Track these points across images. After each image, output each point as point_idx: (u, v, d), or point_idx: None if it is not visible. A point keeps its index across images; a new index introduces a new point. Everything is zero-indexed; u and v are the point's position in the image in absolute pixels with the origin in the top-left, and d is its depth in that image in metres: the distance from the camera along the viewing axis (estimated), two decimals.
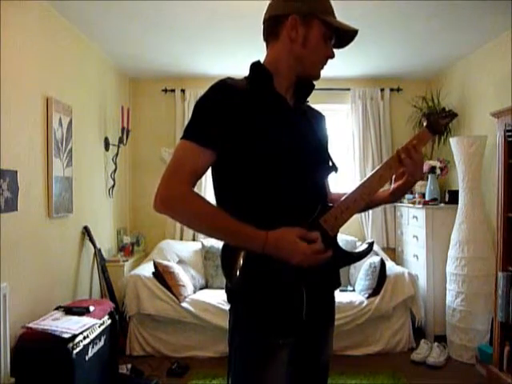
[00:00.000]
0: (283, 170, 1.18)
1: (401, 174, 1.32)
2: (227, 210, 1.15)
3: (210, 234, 1.20)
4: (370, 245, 1.30)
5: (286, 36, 1.23)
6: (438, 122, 1.32)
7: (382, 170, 1.27)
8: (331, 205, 1.24)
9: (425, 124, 1.34)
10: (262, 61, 1.29)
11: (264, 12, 1.29)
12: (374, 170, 1.28)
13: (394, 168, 1.28)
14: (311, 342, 1.31)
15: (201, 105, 1.18)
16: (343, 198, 1.25)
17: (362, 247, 1.29)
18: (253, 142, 1.16)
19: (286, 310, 1.19)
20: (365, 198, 1.24)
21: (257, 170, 1.17)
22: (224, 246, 1.23)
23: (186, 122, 1.20)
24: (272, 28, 1.26)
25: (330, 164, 1.34)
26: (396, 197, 1.37)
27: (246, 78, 1.26)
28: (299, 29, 1.22)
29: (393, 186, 1.36)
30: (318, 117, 1.41)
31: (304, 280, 1.17)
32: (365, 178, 1.28)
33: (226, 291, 1.28)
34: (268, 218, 1.15)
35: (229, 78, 1.19)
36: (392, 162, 1.28)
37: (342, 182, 4.34)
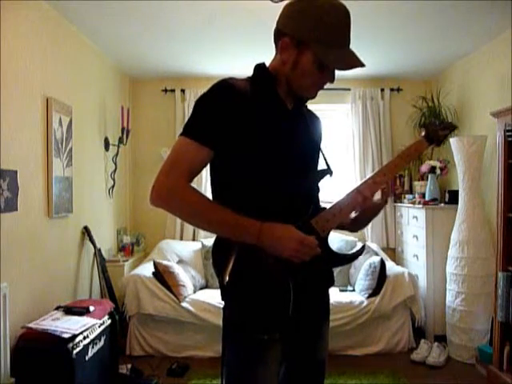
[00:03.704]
0: (277, 171, 1.20)
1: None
2: None
3: (206, 226, 1.22)
4: (362, 247, 1.31)
5: (278, 54, 1.24)
6: (437, 132, 1.32)
7: (376, 176, 1.28)
8: (323, 206, 1.25)
9: (423, 134, 1.33)
10: (268, 62, 1.30)
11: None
12: (368, 177, 1.29)
13: (388, 174, 1.28)
14: (304, 340, 1.32)
15: (201, 103, 1.19)
16: (337, 200, 1.25)
17: (354, 249, 1.30)
18: (249, 143, 1.17)
19: (271, 306, 1.19)
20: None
21: (251, 170, 1.19)
22: (215, 245, 1.24)
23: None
24: (275, 38, 1.26)
25: (326, 167, 1.35)
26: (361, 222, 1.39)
27: (248, 78, 1.27)
28: (291, 52, 1.20)
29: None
30: (314, 120, 1.42)
31: (292, 277, 1.18)
32: (359, 183, 1.29)
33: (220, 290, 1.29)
34: (260, 218, 1.16)
35: (230, 78, 1.20)
36: (386, 169, 1.29)
37: (342, 182, 4.35)
